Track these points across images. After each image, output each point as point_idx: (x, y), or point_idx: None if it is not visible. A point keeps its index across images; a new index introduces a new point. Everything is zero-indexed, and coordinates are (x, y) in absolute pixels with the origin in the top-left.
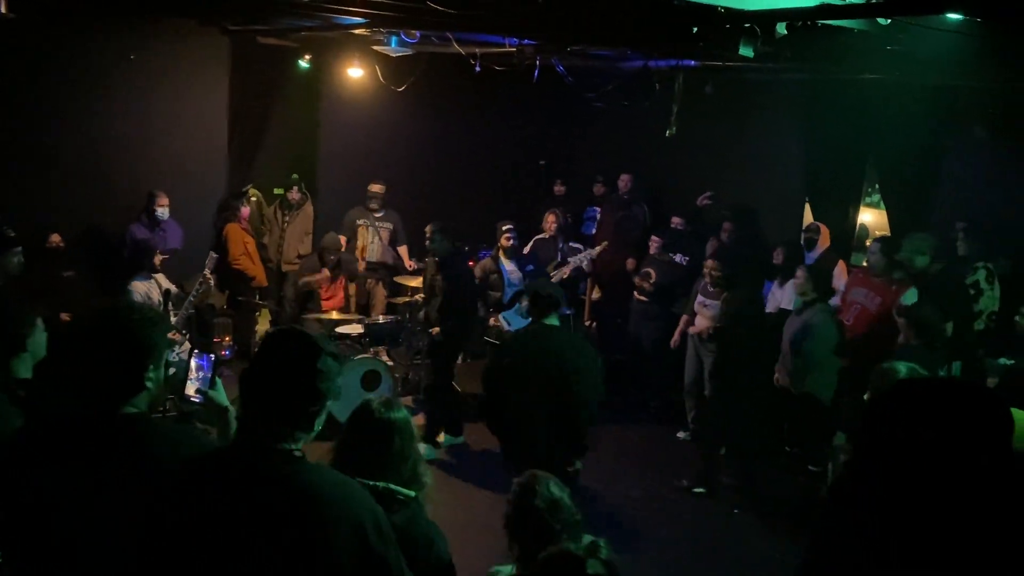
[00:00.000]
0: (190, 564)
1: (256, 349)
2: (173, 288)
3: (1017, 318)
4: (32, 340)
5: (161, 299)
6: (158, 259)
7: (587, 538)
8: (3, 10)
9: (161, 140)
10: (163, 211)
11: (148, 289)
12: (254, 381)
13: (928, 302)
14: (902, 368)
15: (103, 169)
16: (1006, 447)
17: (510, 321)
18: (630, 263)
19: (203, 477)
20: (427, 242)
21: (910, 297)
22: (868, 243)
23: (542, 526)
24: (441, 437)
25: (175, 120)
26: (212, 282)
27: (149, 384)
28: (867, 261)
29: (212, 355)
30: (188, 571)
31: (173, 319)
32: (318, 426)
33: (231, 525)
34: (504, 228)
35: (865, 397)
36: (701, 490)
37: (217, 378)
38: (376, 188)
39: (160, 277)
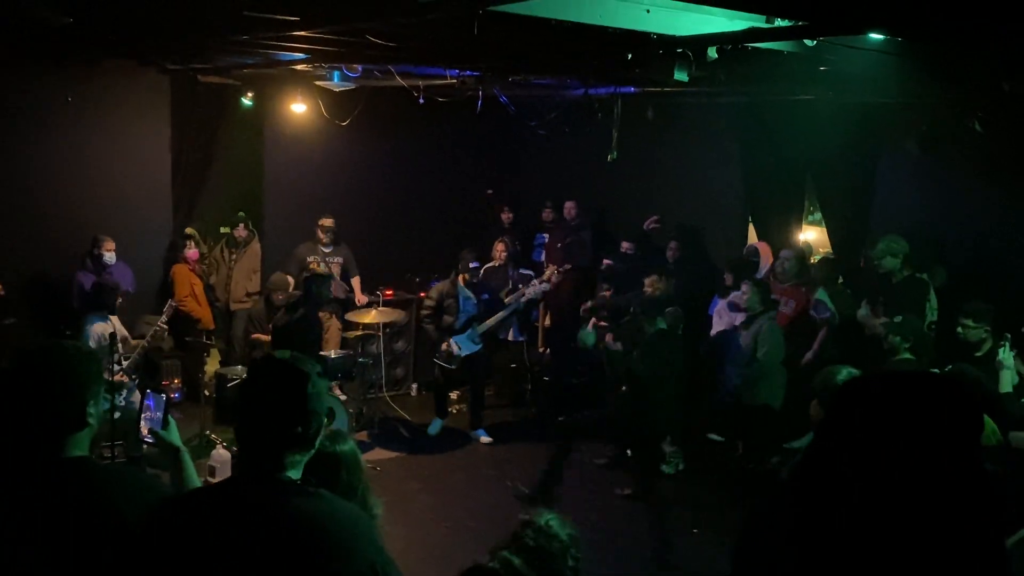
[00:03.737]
0: None
1: (209, 387)
2: (124, 332)
3: (959, 328)
4: None
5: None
6: (119, 300)
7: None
8: None
9: (103, 182)
10: (110, 255)
11: (104, 330)
12: (247, 413)
13: (907, 314)
14: (843, 371)
15: (43, 214)
16: (975, 443)
17: (461, 345)
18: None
19: (199, 513)
20: None
21: (821, 295)
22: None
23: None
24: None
25: (116, 161)
26: (166, 331)
27: (91, 420)
28: (777, 270)
29: (163, 395)
30: None
31: (124, 363)
32: (317, 444)
33: (233, 561)
34: (469, 258)
35: (812, 403)
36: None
37: (169, 418)
38: (327, 223)
39: (114, 319)
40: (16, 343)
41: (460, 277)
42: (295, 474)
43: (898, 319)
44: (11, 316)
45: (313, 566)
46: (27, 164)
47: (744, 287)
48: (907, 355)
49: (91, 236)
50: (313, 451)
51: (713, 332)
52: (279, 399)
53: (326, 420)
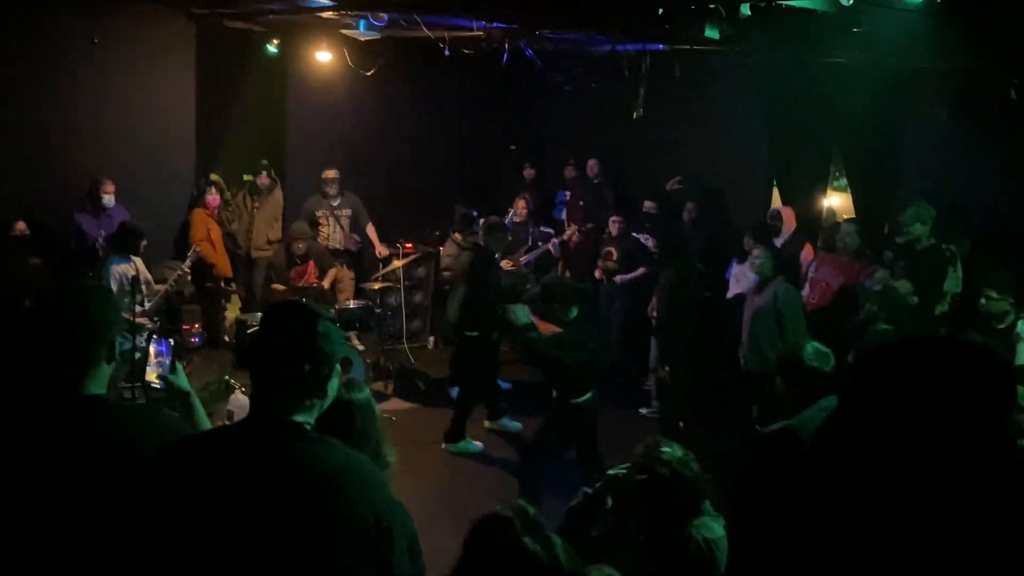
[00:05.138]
0: (197, 544)
1: (229, 333)
2: (147, 275)
3: (982, 300)
4: None
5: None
6: (143, 243)
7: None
8: None
9: (127, 126)
10: (109, 198)
11: (126, 271)
12: (258, 356)
13: (926, 283)
14: (809, 347)
15: (67, 155)
16: (1009, 410)
17: None
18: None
19: (210, 454)
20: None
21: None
22: (840, 223)
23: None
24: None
25: (141, 105)
26: (188, 276)
27: (108, 359)
28: (840, 242)
29: (171, 340)
30: (195, 553)
31: (147, 305)
32: (331, 391)
33: (239, 502)
34: (462, 212)
35: (775, 379)
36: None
37: (177, 363)
38: (330, 174)
39: (139, 261)
40: (39, 284)
41: (455, 235)
42: (306, 420)
43: (877, 287)
44: (35, 257)
45: (312, 509)
46: (51, 105)
47: (756, 251)
48: (883, 325)
49: (91, 179)
50: (327, 398)
51: (730, 295)
52: (289, 341)
53: (339, 367)
